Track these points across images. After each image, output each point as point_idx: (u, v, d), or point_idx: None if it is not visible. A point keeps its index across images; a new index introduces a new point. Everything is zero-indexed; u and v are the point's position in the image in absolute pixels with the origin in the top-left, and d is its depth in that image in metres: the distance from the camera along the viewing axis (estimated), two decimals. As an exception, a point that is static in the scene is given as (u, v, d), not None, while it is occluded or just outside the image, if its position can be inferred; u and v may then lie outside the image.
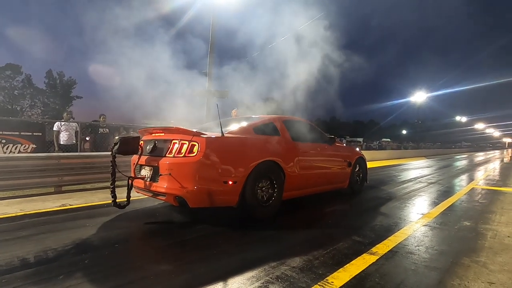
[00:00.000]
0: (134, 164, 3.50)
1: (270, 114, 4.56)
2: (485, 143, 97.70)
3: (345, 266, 2.08)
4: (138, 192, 3.43)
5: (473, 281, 1.91)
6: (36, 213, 3.50)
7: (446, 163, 14.79)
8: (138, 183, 3.28)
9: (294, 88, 6.60)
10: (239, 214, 3.27)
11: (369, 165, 6.19)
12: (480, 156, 24.69)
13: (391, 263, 2.16)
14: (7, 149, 6.29)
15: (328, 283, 1.84)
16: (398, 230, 2.96)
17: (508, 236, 2.84)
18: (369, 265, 2.11)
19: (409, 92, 34.12)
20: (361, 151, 5.87)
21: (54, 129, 6.64)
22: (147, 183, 3.15)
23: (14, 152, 6.32)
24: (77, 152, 6.42)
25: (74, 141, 6.76)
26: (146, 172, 3.24)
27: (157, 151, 3.22)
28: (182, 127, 3.10)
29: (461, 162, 16.18)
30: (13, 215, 3.36)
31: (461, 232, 2.96)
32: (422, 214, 3.66)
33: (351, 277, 1.92)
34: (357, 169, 5.11)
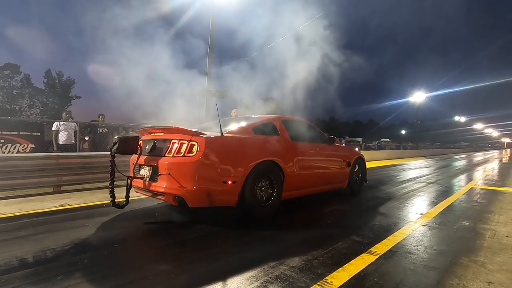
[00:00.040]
0: (133, 164, 3.49)
1: (270, 114, 4.56)
2: (484, 143, 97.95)
3: (344, 266, 2.08)
4: (137, 192, 3.43)
5: (472, 280, 1.92)
6: (35, 213, 3.49)
7: (445, 163, 14.82)
8: (137, 183, 3.28)
9: (294, 88, 6.61)
10: (238, 214, 3.27)
11: (368, 165, 6.20)
12: (479, 156, 24.74)
13: (390, 263, 2.17)
14: (5, 149, 6.27)
15: (327, 282, 1.84)
16: (397, 230, 2.96)
17: (507, 236, 2.85)
18: (368, 265, 2.11)
19: (408, 92, 34.20)
20: (360, 151, 5.88)
21: (53, 129, 6.63)
22: (147, 183, 3.15)
23: (12, 152, 6.30)
24: (76, 152, 6.40)
25: (73, 141, 6.75)
26: (145, 172, 3.24)
27: (157, 151, 3.21)
28: (181, 127, 3.10)
29: (460, 162, 16.21)
30: (12, 215, 3.35)
31: (460, 232, 2.97)
32: (421, 214, 3.67)
33: (350, 276, 1.93)
34: (356, 169, 5.12)
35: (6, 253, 2.23)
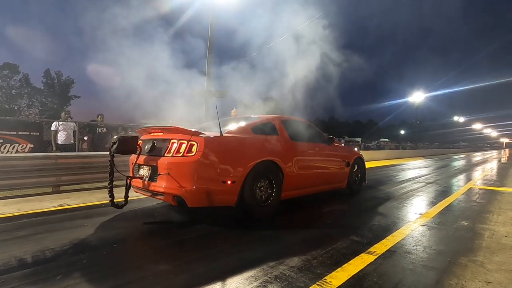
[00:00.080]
0: (132, 163, 3.49)
1: (269, 114, 4.56)
2: (483, 143, 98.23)
3: (343, 266, 2.08)
4: (136, 192, 3.43)
5: (471, 280, 1.92)
6: (34, 213, 3.48)
7: (444, 163, 14.85)
8: (136, 182, 3.28)
9: (293, 88, 6.61)
10: (237, 214, 3.27)
11: (368, 165, 6.20)
12: (477, 156, 24.80)
13: (389, 263, 2.17)
14: (4, 148, 6.25)
15: (326, 282, 1.85)
16: (396, 230, 2.97)
17: (505, 236, 2.86)
18: (367, 265, 2.11)
19: (408, 92, 34.27)
20: (360, 151, 5.89)
21: (52, 128, 6.62)
22: (146, 182, 3.15)
23: (11, 152, 6.28)
24: (75, 152, 6.39)
25: (72, 141, 6.74)
26: (144, 171, 3.24)
27: (156, 151, 3.21)
28: (180, 127, 3.09)
29: (459, 162, 16.24)
30: (11, 215, 3.35)
31: (459, 232, 2.98)
32: (420, 214, 3.68)
33: (349, 276, 1.93)
34: (355, 169, 5.12)
35: (5, 253, 2.22)
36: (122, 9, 6.13)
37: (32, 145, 6.63)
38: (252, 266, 2.06)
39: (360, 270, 2.02)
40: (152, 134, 3.45)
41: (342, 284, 1.83)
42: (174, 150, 2.98)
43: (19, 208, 3.64)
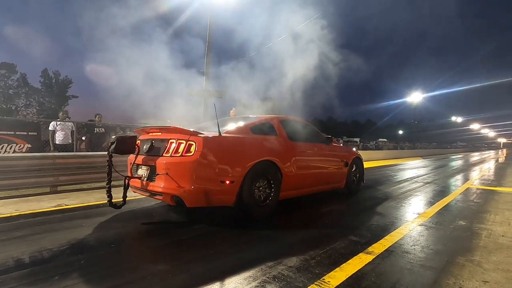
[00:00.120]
0: (130, 163, 3.48)
1: (268, 114, 4.56)
2: (481, 143, 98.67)
3: (341, 266, 2.09)
4: (135, 192, 3.42)
5: (468, 280, 1.93)
6: (32, 213, 3.47)
7: (441, 163, 14.91)
8: (135, 182, 3.27)
9: (292, 88, 6.62)
10: (236, 214, 3.27)
11: (366, 165, 6.22)
12: (475, 156, 24.91)
13: (387, 263, 2.18)
14: (1, 148, 6.22)
15: (324, 282, 1.85)
16: (394, 230, 2.98)
17: (503, 235, 2.87)
18: (365, 265, 2.12)
19: (406, 93, 34.41)
20: (358, 151, 5.90)
21: (50, 128, 6.59)
22: (144, 182, 3.14)
23: (9, 152, 6.26)
24: (73, 152, 6.37)
25: (70, 141, 6.71)
26: (143, 171, 3.23)
27: (154, 151, 3.21)
28: (179, 127, 3.09)
29: (457, 162, 16.31)
30: (8, 215, 3.33)
31: (456, 232, 2.99)
32: (418, 213, 3.69)
33: (347, 276, 1.93)
34: (354, 169, 5.13)
35: (2, 254, 2.21)
36: (120, 9, 6.12)
37: (29, 145, 6.61)
38: (250, 266, 2.06)
39: (358, 270, 2.03)
40: (151, 134, 3.44)
41: (340, 284, 1.84)
42: (173, 150, 2.98)
43: (17, 208, 3.62)
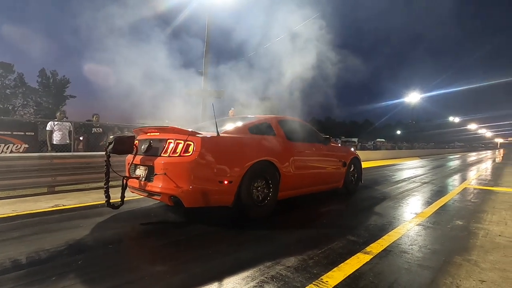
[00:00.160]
0: (128, 163, 3.48)
1: (267, 114, 4.57)
2: (478, 143, 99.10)
3: (339, 266, 2.09)
4: (133, 192, 3.41)
5: (465, 279, 1.94)
6: (29, 213, 3.45)
7: (439, 163, 14.97)
8: (133, 182, 3.26)
9: (290, 88, 6.63)
10: (233, 214, 3.27)
11: (364, 165, 6.23)
12: (472, 156, 25.02)
13: (384, 262, 2.19)
14: (-2, 148, 6.19)
15: (322, 282, 1.85)
16: (392, 230, 2.99)
17: (499, 235, 2.89)
18: (363, 264, 2.13)
19: (404, 93, 34.51)
20: (356, 151, 5.91)
21: (47, 128, 6.56)
22: (142, 182, 3.13)
23: (6, 152, 6.22)
24: (71, 152, 6.34)
25: (67, 141, 6.69)
26: (141, 171, 3.23)
27: (152, 151, 3.20)
28: (177, 127, 3.09)
29: (454, 162, 16.39)
30: (5, 215, 3.31)
31: (454, 231, 3.00)
32: (416, 213, 3.70)
33: (345, 276, 1.94)
34: (352, 169, 5.15)
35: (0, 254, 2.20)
36: (119, 8, 6.10)
37: (27, 145, 6.57)
38: (248, 266, 2.06)
39: (356, 270, 2.03)
40: (149, 134, 3.43)
41: (338, 283, 1.84)
42: (171, 150, 2.97)
43: (14, 209, 3.60)
